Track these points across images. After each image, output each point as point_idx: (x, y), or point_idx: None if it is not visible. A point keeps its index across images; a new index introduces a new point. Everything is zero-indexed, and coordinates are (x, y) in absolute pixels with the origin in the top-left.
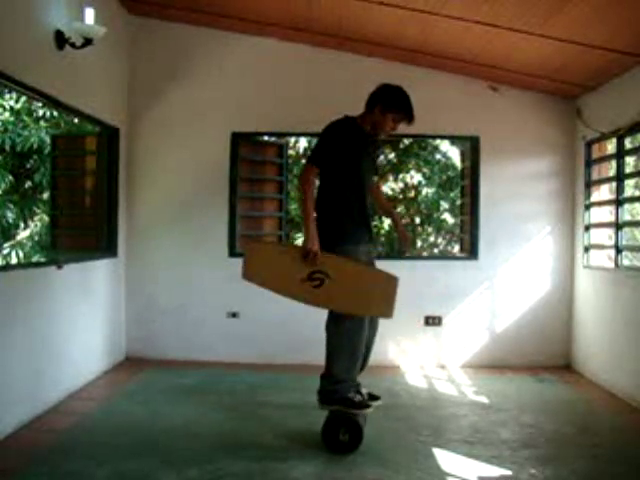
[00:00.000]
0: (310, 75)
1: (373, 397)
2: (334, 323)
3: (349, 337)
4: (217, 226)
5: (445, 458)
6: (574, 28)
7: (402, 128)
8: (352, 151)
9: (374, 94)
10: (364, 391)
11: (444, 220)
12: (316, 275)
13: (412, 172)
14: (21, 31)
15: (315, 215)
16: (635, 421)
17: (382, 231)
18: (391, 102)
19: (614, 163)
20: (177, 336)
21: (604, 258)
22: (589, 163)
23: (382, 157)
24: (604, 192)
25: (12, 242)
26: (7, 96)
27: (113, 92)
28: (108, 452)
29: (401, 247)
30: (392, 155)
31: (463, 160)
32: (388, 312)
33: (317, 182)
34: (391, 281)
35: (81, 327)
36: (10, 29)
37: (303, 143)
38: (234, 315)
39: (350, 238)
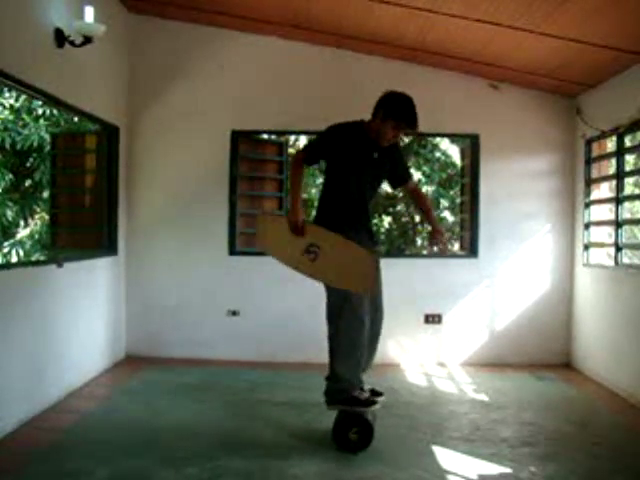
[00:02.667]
0: (310, 73)
1: (376, 393)
2: (331, 324)
3: (347, 336)
4: (217, 224)
5: (445, 456)
6: (574, 26)
7: None
8: (349, 156)
9: (379, 101)
10: (367, 387)
11: (444, 218)
12: (312, 248)
13: (412, 170)
14: (21, 29)
15: (315, 215)
16: (635, 419)
17: (382, 229)
18: (391, 110)
19: (614, 161)
20: (177, 334)
21: (604, 256)
22: (589, 161)
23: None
24: (604, 190)
25: (12, 241)
26: (7, 94)
27: (113, 90)
28: (108, 450)
29: (433, 244)
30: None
31: (463, 158)
32: (367, 288)
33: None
34: (368, 258)
35: (81, 325)
36: (10, 27)
37: (303, 141)
38: (234, 313)
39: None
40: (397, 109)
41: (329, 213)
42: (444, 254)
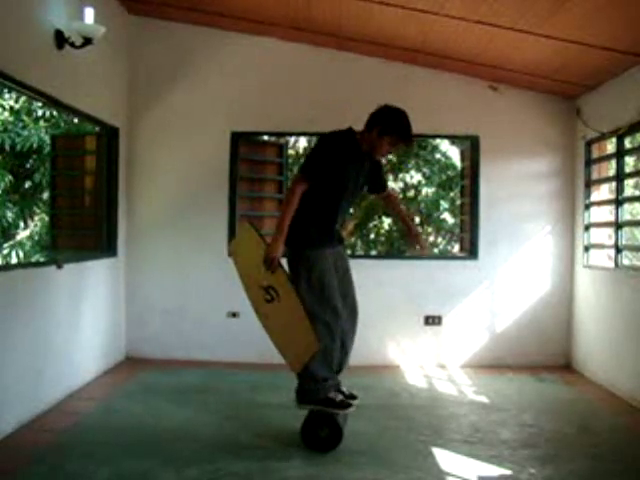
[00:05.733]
0: (310, 75)
1: (351, 396)
2: (311, 325)
3: (323, 336)
4: (217, 225)
5: (445, 458)
6: (574, 28)
7: None
8: (340, 164)
9: (374, 115)
10: (344, 389)
11: (444, 220)
12: (271, 291)
13: (412, 172)
14: (21, 31)
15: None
16: (635, 421)
17: (382, 231)
18: (388, 126)
19: (614, 163)
20: (177, 336)
21: (604, 258)
22: (589, 163)
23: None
24: (604, 192)
25: (12, 242)
26: (7, 96)
27: (113, 91)
28: (108, 452)
29: (413, 245)
30: (392, 155)
31: (463, 160)
32: (294, 367)
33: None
34: (311, 346)
35: (81, 327)
36: (10, 29)
37: (303, 143)
38: (234, 315)
39: (314, 244)
40: (395, 126)
41: (301, 214)
42: (424, 255)
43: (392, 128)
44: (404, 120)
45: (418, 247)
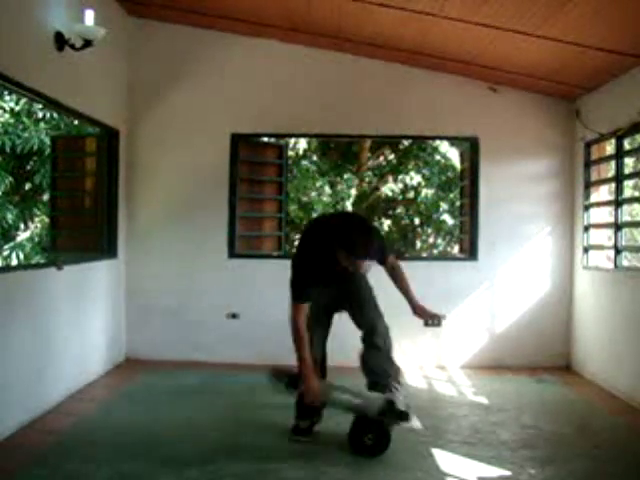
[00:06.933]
0: (310, 77)
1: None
2: (386, 340)
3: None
4: (217, 227)
5: (445, 458)
6: (573, 29)
7: (402, 129)
8: (319, 275)
9: None
10: None
11: (444, 221)
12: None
13: (412, 173)
14: (21, 33)
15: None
16: (634, 421)
17: (381, 232)
18: (340, 241)
19: (613, 164)
20: (177, 337)
21: (603, 259)
22: (588, 164)
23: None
24: (603, 193)
25: (12, 243)
26: (7, 98)
27: (113, 93)
28: (108, 453)
29: (428, 321)
30: (392, 156)
31: (462, 161)
32: None
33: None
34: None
35: (81, 328)
36: (10, 31)
37: (303, 144)
38: (234, 316)
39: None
40: (344, 241)
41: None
42: (439, 325)
43: (342, 243)
44: (353, 235)
45: (430, 321)
